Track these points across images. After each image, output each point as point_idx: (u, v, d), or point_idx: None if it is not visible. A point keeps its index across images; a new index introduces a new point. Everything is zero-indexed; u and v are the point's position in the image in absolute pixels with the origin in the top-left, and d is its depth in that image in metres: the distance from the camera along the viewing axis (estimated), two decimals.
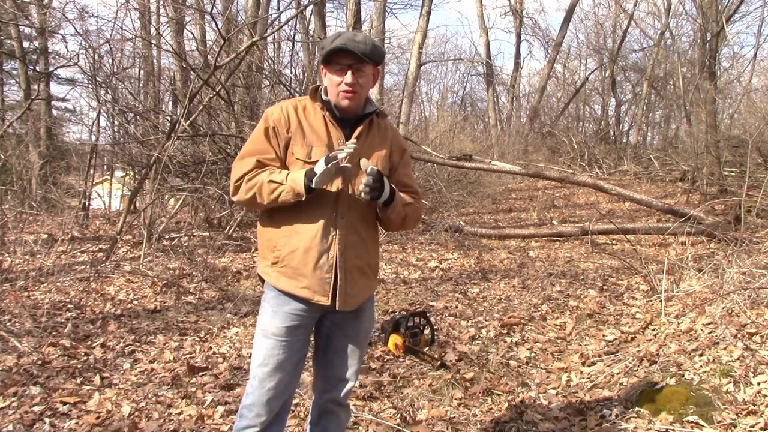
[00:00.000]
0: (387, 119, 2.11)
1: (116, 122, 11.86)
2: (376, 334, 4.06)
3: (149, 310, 4.79)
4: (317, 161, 1.84)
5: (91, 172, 9.47)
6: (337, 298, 1.89)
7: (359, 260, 1.94)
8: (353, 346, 2.03)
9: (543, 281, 5.64)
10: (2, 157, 8.21)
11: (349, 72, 1.86)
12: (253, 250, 7.12)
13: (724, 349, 3.20)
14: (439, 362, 3.58)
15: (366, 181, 1.80)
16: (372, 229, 2.00)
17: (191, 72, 8.89)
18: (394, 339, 3.82)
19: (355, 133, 1.93)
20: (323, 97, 1.96)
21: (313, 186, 1.79)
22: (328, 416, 2.10)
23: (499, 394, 3.23)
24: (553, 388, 3.32)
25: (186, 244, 7.27)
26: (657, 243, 7.33)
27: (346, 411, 2.14)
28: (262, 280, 2.00)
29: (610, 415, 2.86)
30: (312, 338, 2.08)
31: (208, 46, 11.22)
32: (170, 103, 12.94)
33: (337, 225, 1.88)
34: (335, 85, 1.89)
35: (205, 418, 2.89)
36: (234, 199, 1.95)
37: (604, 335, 4.12)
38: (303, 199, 1.81)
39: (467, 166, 10.73)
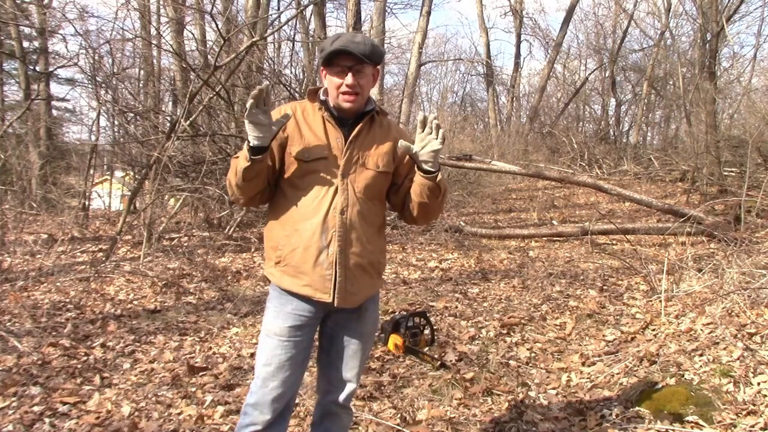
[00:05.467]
0: (389, 117, 2.11)
1: (116, 122, 11.87)
2: (377, 334, 4.06)
3: (149, 310, 4.79)
4: (315, 160, 1.88)
5: (91, 172, 9.47)
6: (336, 295, 1.89)
7: (360, 258, 1.93)
8: (356, 347, 2.03)
9: (543, 281, 5.64)
10: (2, 157, 8.20)
11: (350, 73, 1.86)
12: (252, 250, 7.12)
13: (724, 349, 3.20)
14: (439, 362, 3.58)
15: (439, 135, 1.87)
16: (374, 228, 1.99)
17: (191, 72, 8.86)
18: (394, 339, 3.83)
19: (354, 133, 1.93)
20: (321, 97, 1.97)
21: (251, 143, 1.78)
22: (331, 418, 2.11)
23: (499, 394, 3.23)
24: (553, 388, 3.32)
25: (186, 244, 7.28)
26: (657, 243, 7.33)
27: (348, 413, 2.15)
28: (269, 281, 2.01)
29: (610, 415, 2.86)
30: (316, 338, 2.08)
31: (208, 46, 11.19)
32: (170, 103, 12.90)
33: (336, 222, 1.88)
34: (336, 86, 1.89)
35: (205, 418, 2.89)
36: (230, 197, 1.98)
37: (604, 335, 4.12)
38: (253, 157, 1.79)
39: (467, 166, 10.72)
